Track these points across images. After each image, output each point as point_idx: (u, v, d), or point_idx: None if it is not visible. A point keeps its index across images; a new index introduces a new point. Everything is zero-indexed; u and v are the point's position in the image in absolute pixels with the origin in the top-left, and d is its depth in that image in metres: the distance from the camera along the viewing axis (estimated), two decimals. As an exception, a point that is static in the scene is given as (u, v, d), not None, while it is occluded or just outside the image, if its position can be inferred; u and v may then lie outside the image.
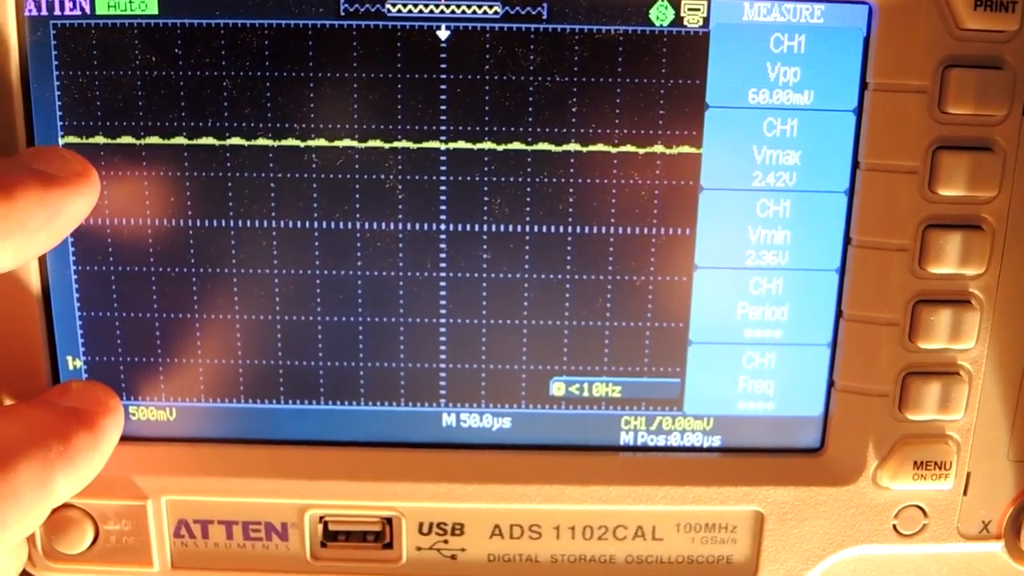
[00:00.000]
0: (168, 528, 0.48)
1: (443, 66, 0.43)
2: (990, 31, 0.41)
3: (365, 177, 0.45)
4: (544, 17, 0.43)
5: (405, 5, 0.43)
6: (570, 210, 0.45)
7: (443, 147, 0.44)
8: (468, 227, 0.45)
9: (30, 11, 0.43)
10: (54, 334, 0.47)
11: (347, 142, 0.44)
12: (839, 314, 0.46)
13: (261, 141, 0.44)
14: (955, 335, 0.44)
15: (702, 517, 0.48)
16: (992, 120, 0.42)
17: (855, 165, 0.44)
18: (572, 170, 0.45)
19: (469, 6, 0.43)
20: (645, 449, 0.48)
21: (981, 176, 0.43)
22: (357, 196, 0.45)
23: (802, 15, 0.43)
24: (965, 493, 0.47)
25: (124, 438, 0.48)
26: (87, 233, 0.46)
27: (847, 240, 0.45)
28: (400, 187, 0.45)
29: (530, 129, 0.44)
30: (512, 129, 0.44)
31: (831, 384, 0.47)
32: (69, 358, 0.47)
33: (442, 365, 0.47)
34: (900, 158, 0.43)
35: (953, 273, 0.44)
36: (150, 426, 0.48)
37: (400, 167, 0.45)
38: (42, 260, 0.46)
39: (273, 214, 0.45)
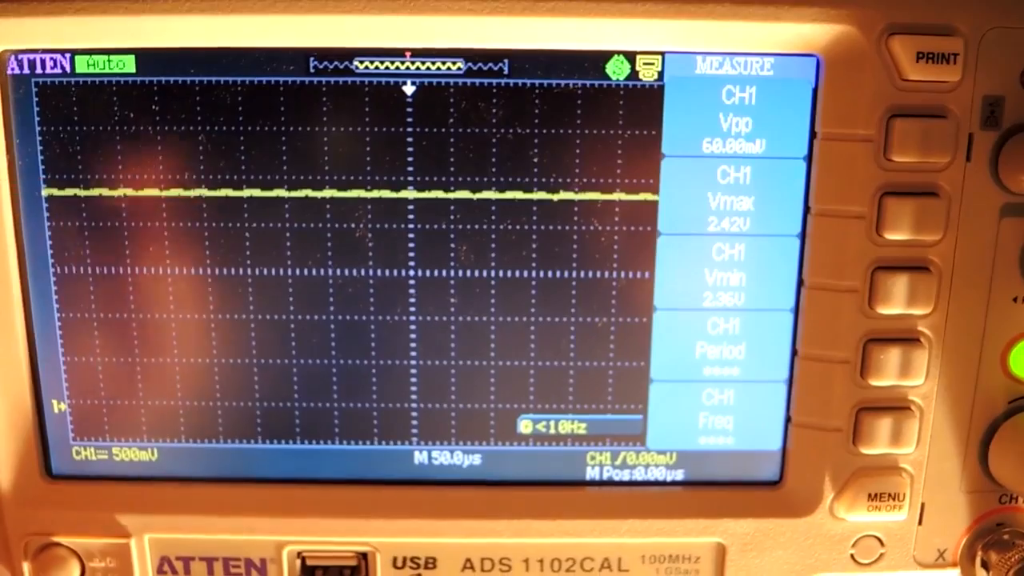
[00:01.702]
0: (151, 565, 0.49)
1: (409, 120, 0.45)
2: (932, 82, 0.43)
3: (336, 226, 0.46)
4: (505, 72, 0.45)
5: (372, 62, 0.44)
6: (534, 256, 0.47)
7: (411, 196, 0.46)
8: (436, 273, 0.47)
9: (12, 70, 0.45)
10: (39, 378, 0.48)
11: (318, 193, 0.46)
12: (794, 352, 0.48)
13: (235, 193, 0.46)
14: (905, 372, 0.46)
15: (666, 549, 0.49)
16: (936, 166, 0.44)
17: (806, 210, 0.46)
18: (535, 217, 0.46)
19: (433, 63, 0.45)
20: (610, 483, 0.50)
21: (927, 220, 0.44)
22: (329, 244, 0.46)
23: (752, 68, 0.45)
24: (920, 523, 0.49)
25: (108, 478, 0.50)
26: (70, 281, 0.47)
27: (800, 282, 0.47)
28: (370, 235, 0.46)
29: (494, 179, 0.46)
30: (476, 179, 0.46)
31: (788, 419, 0.49)
32: (54, 401, 0.49)
33: (413, 405, 0.49)
34: (848, 203, 0.45)
35: (902, 313, 0.45)
36: (133, 466, 0.50)
37: (370, 216, 0.46)
38: (27, 307, 0.47)
39: (248, 262, 0.47)
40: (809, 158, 0.45)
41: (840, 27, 0.43)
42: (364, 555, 0.49)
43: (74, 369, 0.48)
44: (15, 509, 0.48)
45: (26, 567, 0.49)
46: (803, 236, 0.46)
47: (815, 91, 0.45)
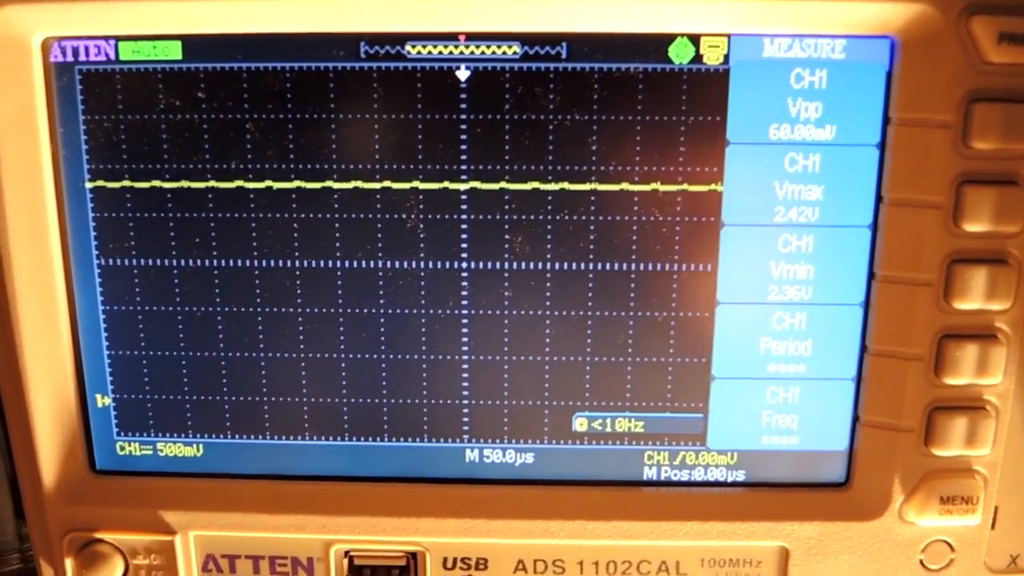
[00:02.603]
0: (196, 563, 0.48)
1: (463, 106, 0.44)
2: (1015, 64, 0.41)
3: (387, 217, 0.45)
4: (563, 56, 0.43)
5: (425, 47, 0.43)
6: (591, 247, 0.45)
7: (464, 187, 0.44)
8: (489, 265, 0.46)
9: (56, 57, 0.44)
10: (83, 372, 0.48)
11: (369, 183, 0.44)
12: (864, 349, 0.46)
13: (284, 183, 0.45)
14: (981, 370, 0.44)
15: (726, 552, 0.48)
16: (1017, 153, 0.42)
17: (879, 200, 0.44)
18: (593, 208, 0.45)
19: (488, 47, 0.43)
20: (668, 484, 0.48)
21: (1007, 210, 0.42)
22: (379, 235, 0.45)
23: (823, 50, 0.43)
24: (993, 527, 0.47)
25: (152, 473, 0.49)
26: (115, 273, 0.46)
27: (871, 275, 0.45)
28: (422, 226, 0.45)
29: (551, 168, 0.44)
30: (533, 168, 0.44)
31: (856, 419, 0.47)
32: (98, 396, 0.48)
33: (465, 401, 0.48)
34: (924, 193, 0.43)
35: (979, 308, 0.43)
36: (178, 462, 0.49)
37: (421, 206, 0.45)
38: (71, 300, 0.47)
39: (296, 254, 0.46)
40: (882, 145, 0.43)
41: (916, 6, 0.41)
42: (413, 555, 0.48)
43: (118, 363, 0.48)
44: (58, 505, 0.48)
45: (68, 564, 0.48)
46: (875, 227, 0.44)
47: (889, 75, 0.43)
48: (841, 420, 0.47)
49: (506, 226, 0.45)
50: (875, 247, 0.45)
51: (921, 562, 0.47)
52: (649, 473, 0.48)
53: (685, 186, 0.44)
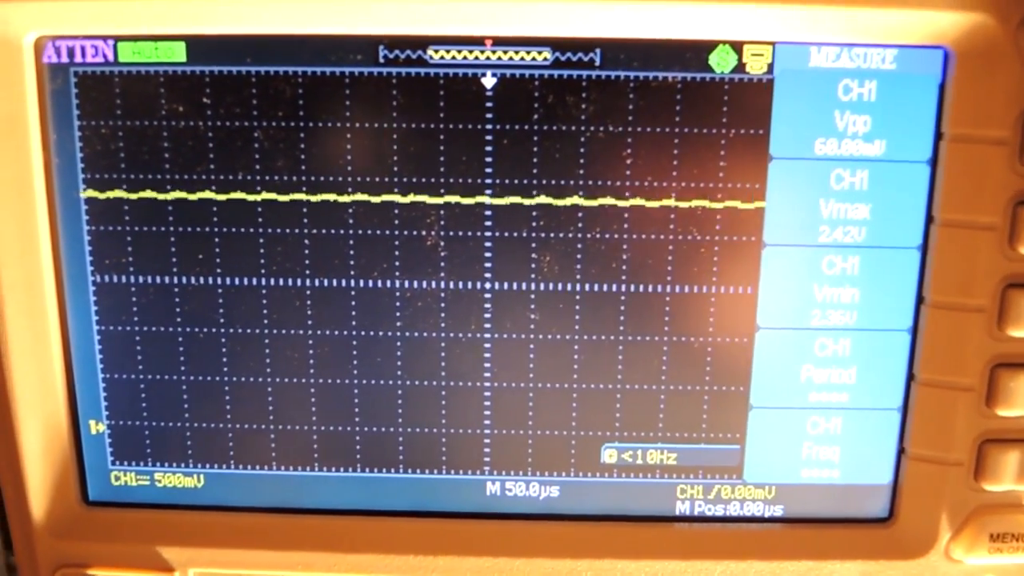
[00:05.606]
0: (196, 601, 0.46)
1: (489, 116, 0.41)
2: (1077, 78, 0.39)
3: (405, 233, 0.42)
4: (597, 63, 0.41)
5: (448, 51, 0.41)
6: (624, 267, 0.43)
7: (488, 201, 0.42)
8: (515, 286, 0.43)
9: (50, 58, 0.41)
10: (76, 396, 0.45)
11: (386, 196, 0.42)
12: (911, 377, 0.44)
13: (294, 195, 0.42)
14: (1037, 401, 0.42)
15: (763, 592, 0.46)
16: (1079, 172, 0.40)
17: (929, 220, 0.42)
18: (626, 225, 0.42)
19: (517, 52, 0.41)
20: (702, 519, 0.46)
21: (1067, 233, 0.40)
22: (397, 253, 0.43)
23: (873, 60, 0.41)
24: (1044, 566, 0.45)
25: (149, 506, 0.47)
26: (111, 291, 0.44)
27: (920, 299, 0.43)
28: (443, 244, 0.43)
29: (582, 183, 0.42)
30: (562, 183, 0.42)
31: (901, 451, 0.45)
32: (92, 422, 0.46)
33: (486, 431, 0.45)
34: (978, 213, 0.41)
35: (1036, 336, 0.41)
36: (177, 493, 0.47)
37: (443, 223, 0.42)
38: (63, 319, 0.44)
39: (307, 272, 0.43)
40: (934, 162, 0.41)
41: (973, 16, 0.39)
42: (429, 595, 0.46)
43: (114, 387, 0.45)
44: (48, 538, 0.46)
45: (60, 604, 0.46)
46: (924, 249, 0.42)
47: (942, 87, 0.41)
48: (886, 452, 0.45)
49: (533, 244, 0.43)
50: (924, 270, 0.43)
51: (968, 603, 0.45)
52: (682, 508, 0.46)
53: (725, 203, 0.42)
